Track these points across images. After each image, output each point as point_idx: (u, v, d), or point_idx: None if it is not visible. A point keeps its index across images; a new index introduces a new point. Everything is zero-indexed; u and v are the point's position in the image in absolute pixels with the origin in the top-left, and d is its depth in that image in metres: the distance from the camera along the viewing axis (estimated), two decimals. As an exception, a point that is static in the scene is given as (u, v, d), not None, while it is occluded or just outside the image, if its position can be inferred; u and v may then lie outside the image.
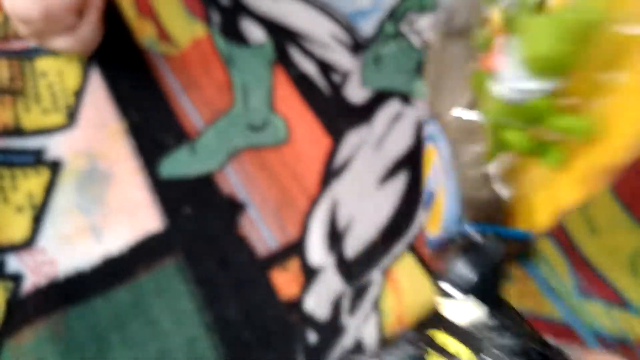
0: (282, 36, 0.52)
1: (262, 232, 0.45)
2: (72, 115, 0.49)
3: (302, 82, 0.50)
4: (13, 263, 0.44)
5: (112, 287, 0.43)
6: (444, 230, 0.37)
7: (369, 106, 0.49)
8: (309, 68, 0.50)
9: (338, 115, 0.49)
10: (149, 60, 0.51)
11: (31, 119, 0.49)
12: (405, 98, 0.49)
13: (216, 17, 0.53)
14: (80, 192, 0.46)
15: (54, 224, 0.45)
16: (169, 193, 0.46)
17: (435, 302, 0.34)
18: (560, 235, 0.41)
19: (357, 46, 0.51)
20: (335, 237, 0.44)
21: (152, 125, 0.49)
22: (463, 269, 0.33)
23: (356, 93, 0.49)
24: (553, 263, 0.41)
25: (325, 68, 0.50)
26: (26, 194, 0.46)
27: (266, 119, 0.49)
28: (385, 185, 0.46)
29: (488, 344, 0.30)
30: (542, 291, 0.41)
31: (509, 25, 0.37)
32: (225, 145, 0.48)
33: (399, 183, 0.46)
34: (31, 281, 0.43)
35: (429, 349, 0.31)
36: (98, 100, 0.50)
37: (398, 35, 0.51)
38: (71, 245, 0.45)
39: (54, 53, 0.50)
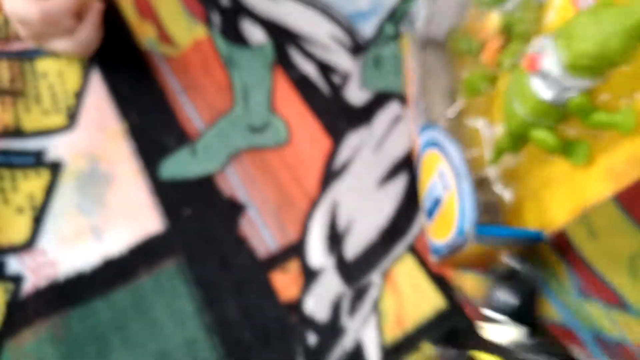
0: (283, 37, 0.52)
1: (262, 233, 0.45)
2: (72, 117, 0.49)
3: (302, 84, 0.50)
4: (13, 264, 0.44)
5: (113, 288, 0.43)
6: (458, 234, 0.37)
7: (369, 107, 0.49)
8: (309, 69, 0.50)
9: (338, 116, 0.49)
10: (150, 62, 0.51)
11: (31, 120, 0.49)
12: (405, 100, 0.49)
13: (216, 19, 0.53)
14: (80, 193, 0.46)
15: (55, 225, 0.45)
16: (169, 194, 0.46)
17: (476, 326, 0.37)
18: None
19: (357, 47, 0.51)
20: (335, 239, 0.45)
21: (153, 127, 0.49)
22: (505, 295, 0.37)
23: (356, 94, 0.49)
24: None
25: (325, 69, 0.50)
26: (26, 195, 0.46)
27: (266, 120, 0.49)
28: (385, 186, 0.46)
29: None
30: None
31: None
32: (225, 147, 0.48)
33: (399, 184, 0.46)
34: (31, 282, 0.43)
35: None
36: (98, 101, 0.50)
37: (398, 36, 0.51)
38: (71, 247, 0.45)
39: (54, 54, 0.51)
